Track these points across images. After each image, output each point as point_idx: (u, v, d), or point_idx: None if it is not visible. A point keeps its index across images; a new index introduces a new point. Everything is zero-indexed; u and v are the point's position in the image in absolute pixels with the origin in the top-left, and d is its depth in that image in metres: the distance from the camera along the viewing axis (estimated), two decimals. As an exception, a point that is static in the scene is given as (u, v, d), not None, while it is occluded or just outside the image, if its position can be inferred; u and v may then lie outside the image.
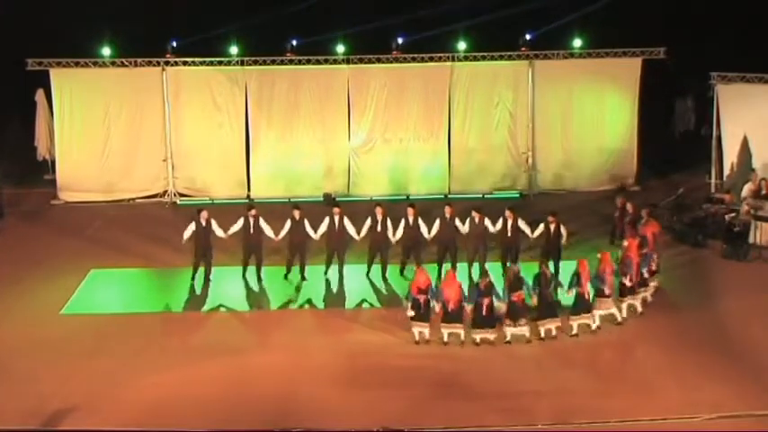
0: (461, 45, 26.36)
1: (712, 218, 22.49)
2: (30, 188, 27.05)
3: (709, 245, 21.84)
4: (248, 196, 26.43)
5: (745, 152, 24.44)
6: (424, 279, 17.07)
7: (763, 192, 22.31)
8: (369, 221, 19.96)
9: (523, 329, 17.03)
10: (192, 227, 19.62)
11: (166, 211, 25.33)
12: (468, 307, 16.93)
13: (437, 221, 20.01)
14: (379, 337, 17.46)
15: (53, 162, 27.10)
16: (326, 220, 19.96)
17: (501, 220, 19.92)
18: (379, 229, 19.90)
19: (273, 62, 26.26)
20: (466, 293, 17.04)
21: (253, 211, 19.90)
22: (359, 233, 20.03)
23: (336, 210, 20.08)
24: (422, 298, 16.94)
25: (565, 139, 27.02)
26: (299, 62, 26.13)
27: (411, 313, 17.04)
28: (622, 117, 26.98)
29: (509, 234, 19.90)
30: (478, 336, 16.94)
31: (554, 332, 17.17)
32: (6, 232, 23.86)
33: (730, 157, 25.02)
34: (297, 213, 19.92)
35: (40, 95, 27.27)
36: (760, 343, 16.85)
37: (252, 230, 19.74)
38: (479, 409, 14.65)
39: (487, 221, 19.91)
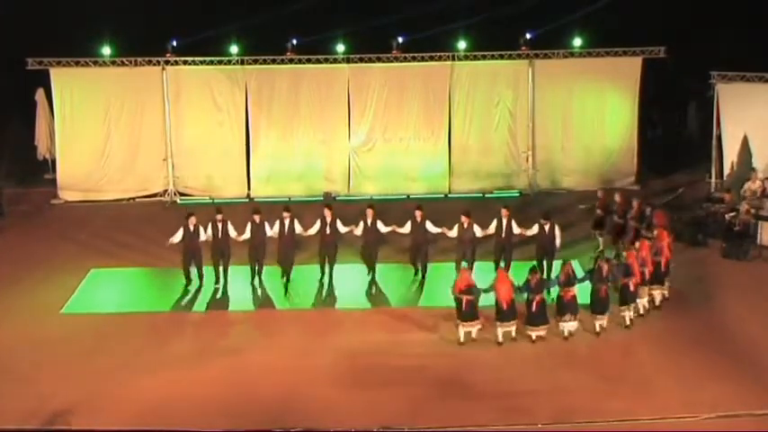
0: (461, 44, 26.38)
1: (712, 217, 22.51)
2: (30, 187, 27.10)
3: (709, 244, 21.85)
4: (248, 195, 26.48)
5: (745, 151, 24.44)
6: (467, 280, 16.93)
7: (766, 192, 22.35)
8: (318, 224, 19.64)
9: (572, 325, 17.10)
10: (180, 233, 19.43)
11: (167, 210, 25.33)
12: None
13: (408, 224, 19.64)
14: (379, 337, 17.47)
15: (53, 161, 27.14)
16: (277, 223, 19.62)
17: (495, 221, 19.66)
18: (327, 231, 19.59)
19: (273, 61, 26.30)
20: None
21: (219, 216, 19.55)
22: (307, 233, 19.78)
23: (286, 214, 19.68)
24: (464, 298, 16.81)
25: (565, 138, 27.03)
26: (300, 62, 26.14)
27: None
28: (622, 116, 27.00)
29: (503, 234, 19.64)
30: (534, 333, 16.97)
31: (605, 325, 17.34)
32: (6, 232, 23.87)
33: (730, 156, 25.02)
34: (257, 217, 19.59)
35: (40, 95, 27.31)
36: (760, 342, 16.85)
37: (220, 235, 19.46)
38: (479, 409, 14.65)
39: (476, 227, 19.55)
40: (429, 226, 19.60)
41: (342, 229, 19.65)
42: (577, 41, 26.38)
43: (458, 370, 16.01)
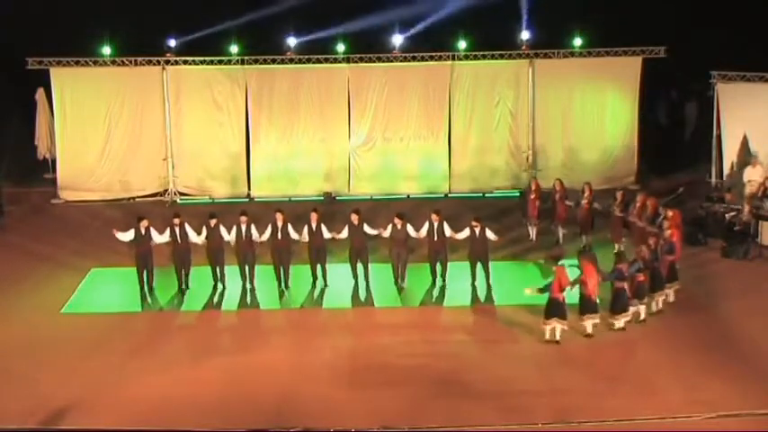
0: (462, 44, 26.38)
1: (712, 217, 22.52)
2: (30, 187, 27.11)
3: (709, 244, 21.85)
4: (248, 195, 26.49)
5: (745, 151, 24.44)
6: (566, 278, 16.94)
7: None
8: (269, 229, 19.31)
9: (642, 308, 17.67)
10: (131, 233, 19.32)
11: (167, 210, 25.30)
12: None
13: (345, 228, 19.39)
14: (378, 337, 17.47)
15: (53, 161, 27.17)
16: (234, 228, 19.35)
17: (427, 224, 19.30)
18: (279, 236, 19.32)
19: (273, 61, 26.31)
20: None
21: (176, 220, 19.34)
22: (261, 239, 19.39)
23: (243, 218, 19.35)
24: (561, 297, 16.84)
25: (565, 138, 27.06)
26: (300, 61, 26.15)
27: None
28: (623, 116, 27.04)
29: (435, 237, 19.25)
30: (623, 320, 17.32)
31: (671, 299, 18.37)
32: (7, 231, 23.89)
33: (730, 156, 25.03)
34: (212, 222, 19.33)
35: (40, 94, 27.32)
36: (760, 342, 16.85)
37: (179, 239, 19.28)
38: (479, 408, 14.64)
39: (409, 227, 19.28)
40: (366, 228, 19.42)
41: (293, 234, 19.36)
42: (577, 41, 26.41)
43: (458, 370, 16.00)
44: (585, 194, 21.56)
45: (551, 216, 22.27)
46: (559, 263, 17.17)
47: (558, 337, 16.85)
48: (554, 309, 16.78)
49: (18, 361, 16.35)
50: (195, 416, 14.45)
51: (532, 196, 22.30)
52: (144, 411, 14.66)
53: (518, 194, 26.31)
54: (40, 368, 16.06)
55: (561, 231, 22.04)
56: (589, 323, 17.09)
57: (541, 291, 16.88)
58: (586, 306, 17.04)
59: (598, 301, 17.20)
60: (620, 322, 17.27)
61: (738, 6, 26.20)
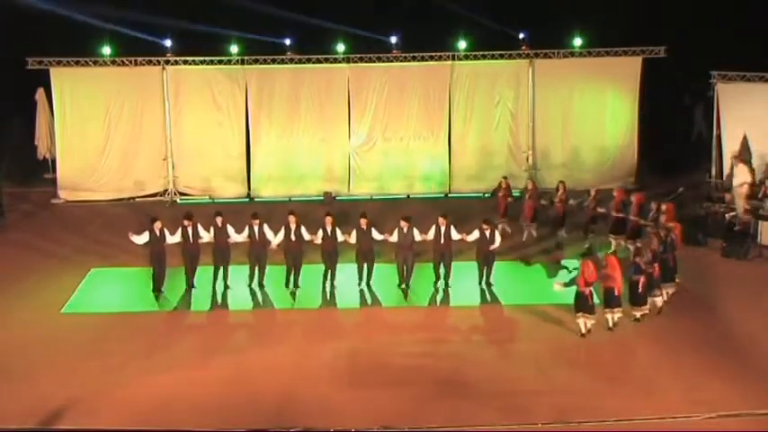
0: (462, 44, 26.38)
1: (712, 217, 22.55)
2: (30, 187, 27.12)
3: (709, 243, 21.86)
4: (248, 195, 26.49)
5: (745, 151, 24.44)
6: (592, 273, 17.10)
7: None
8: (283, 231, 19.39)
9: (659, 299, 18.13)
10: (145, 236, 19.31)
11: (167, 210, 25.31)
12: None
13: (353, 232, 19.48)
14: (379, 337, 17.48)
15: (53, 161, 27.17)
16: (246, 229, 19.43)
17: (434, 228, 19.40)
18: (293, 237, 19.39)
19: (273, 61, 26.30)
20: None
21: (187, 221, 19.33)
22: (274, 242, 19.46)
23: (256, 221, 19.42)
24: (588, 291, 17.05)
25: (565, 138, 27.06)
26: (300, 61, 26.14)
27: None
28: (623, 116, 27.04)
29: (442, 241, 19.36)
30: (639, 313, 17.70)
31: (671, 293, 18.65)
32: (7, 231, 23.89)
33: (730, 156, 25.01)
34: (219, 220, 19.37)
35: (40, 94, 27.32)
36: (760, 342, 16.87)
37: (191, 239, 19.33)
38: (479, 408, 14.65)
39: (416, 231, 19.36)
40: (374, 233, 19.51)
41: (306, 236, 19.46)
42: (577, 41, 26.40)
43: (458, 370, 16.01)
44: (559, 193, 22.16)
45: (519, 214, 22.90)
46: (584, 258, 17.38)
47: (583, 331, 17.14)
48: (581, 303, 17.10)
49: (18, 361, 16.36)
50: (195, 416, 14.47)
51: (501, 194, 23.01)
52: (144, 411, 14.67)
53: (519, 194, 26.26)
54: (40, 368, 16.07)
55: (528, 230, 22.65)
56: (610, 317, 17.33)
57: (567, 285, 17.31)
58: (611, 300, 17.29)
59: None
60: (641, 312, 17.65)
61: (738, 6, 26.22)
